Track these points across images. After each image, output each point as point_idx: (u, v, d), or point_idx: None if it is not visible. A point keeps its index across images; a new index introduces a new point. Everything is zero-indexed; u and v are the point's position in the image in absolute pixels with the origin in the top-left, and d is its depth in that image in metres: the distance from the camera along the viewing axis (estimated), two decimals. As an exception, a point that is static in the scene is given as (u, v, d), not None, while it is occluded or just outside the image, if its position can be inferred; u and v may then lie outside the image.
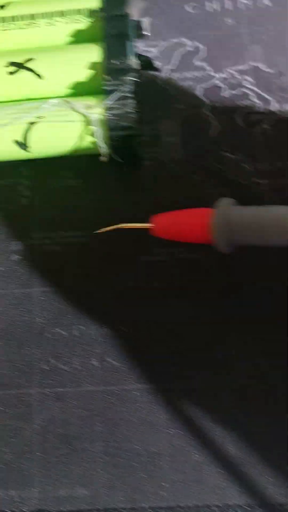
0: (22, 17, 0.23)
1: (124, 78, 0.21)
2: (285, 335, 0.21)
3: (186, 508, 0.20)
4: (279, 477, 0.20)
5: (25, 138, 0.22)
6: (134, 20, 0.24)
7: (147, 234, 0.22)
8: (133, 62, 0.22)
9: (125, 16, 0.22)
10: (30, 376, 0.21)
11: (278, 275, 0.21)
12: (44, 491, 0.20)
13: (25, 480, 0.21)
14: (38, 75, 0.22)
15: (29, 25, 0.23)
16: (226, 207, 0.20)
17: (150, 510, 0.20)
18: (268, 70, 0.24)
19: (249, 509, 0.19)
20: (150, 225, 0.21)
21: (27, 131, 0.22)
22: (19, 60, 0.22)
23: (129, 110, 0.21)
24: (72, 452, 0.21)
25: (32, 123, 0.22)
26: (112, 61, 0.22)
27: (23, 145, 0.22)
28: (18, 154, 0.23)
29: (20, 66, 0.22)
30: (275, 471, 0.20)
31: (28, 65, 0.22)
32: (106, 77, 0.21)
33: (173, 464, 0.20)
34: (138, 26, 0.24)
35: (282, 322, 0.21)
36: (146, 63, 0.24)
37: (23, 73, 0.22)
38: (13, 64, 0.22)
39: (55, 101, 0.22)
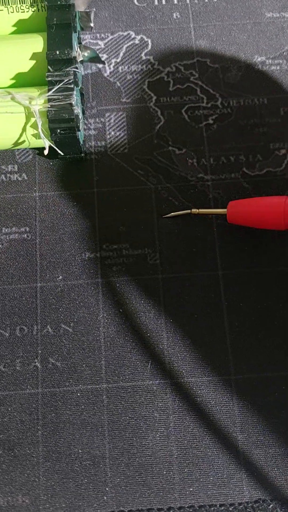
0: None
1: (67, 69, 0.21)
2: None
3: (129, 513, 0.19)
4: (222, 478, 0.19)
5: None
6: (80, 11, 0.23)
7: (93, 232, 0.22)
8: (78, 53, 0.22)
9: (70, 6, 0.22)
10: None
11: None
12: (-18, 501, 0.19)
13: None
14: (-22, 65, 0.22)
15: None
16: None
17: (93, 516, 0.19)
18: (213, 65, 0.24)
19: (191, 510, 0.19)
20: (224, 211, 0.21)
21: None
22: None
23: (70, 102, 0.20)
24: (13, 459, 0.20)
25: None
26: (55, 51, 0.21)
27: None
28: None
29: None
30: (217, 471, 0.19)
31: None
32: (49, 68, 0.21)
33: (116, 467, 0.19)
34: (84, 18, 0.23)
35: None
36: (92, 55, 0.23)
37: None
38: None
39: (-5, 92, 0.21)
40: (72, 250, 0.22)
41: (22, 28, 0.22)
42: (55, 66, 0.21)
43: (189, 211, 0.21)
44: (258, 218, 0.20)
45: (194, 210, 0.21)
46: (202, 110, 0.23)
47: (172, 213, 0.22)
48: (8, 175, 0.23)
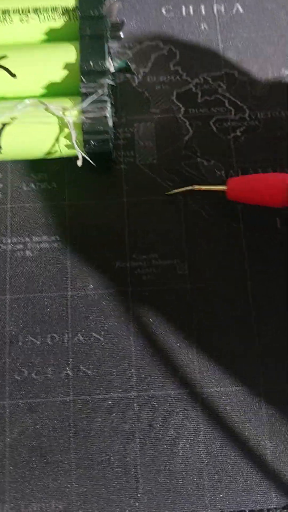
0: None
1: (101, 80, 0.21)
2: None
3: (162, 519, 0.19)
4: (251, 484, 0.20)
5: (-4, 139, 0.21)
6: (110, 21, 0.23)
7: (123, 242, 0.22)
8: (110, 64, 0.22)
9: (102, 17, 0.22)
10: (2, 388, 0.21)
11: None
12: (17, 507, 0.20)
13: (-5, 495, 0.20)
14: (12, 74, 0.22)
15: (1, 21, 0.22)
16: None
17: (125, 522, 0.19)
18: (241, 77, 0.24)
19: (225, 518, 0.19)
20: (224, 187, 0.21)
21: (-1, 132, 0.21)
22: (-10, 57, 0.22)
23: (105, 114, 0.20)
24: (45, 465, 0.20)
25: (4, 124, 0.21)
26: (89, 62, 0.21)
27: (-6, 146, 0.21)
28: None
29: (-8, 63, 0.22)
30: (246, 478, 0.20)
31: (1, 62, 0.21)
32: (83, 78, 0.21)
33: (147, 474, 0.20)
34: (113, 28, 0.23)
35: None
36: (123, 65, 0.23)
37: (-4, 71, 0.22)
38: (-16, 61, 0.22)
39: (29, 101, 0.21)
40: (102, 259, 0.22)
41: (54, 37, 0.23)
42: (88, 77, 0.21)
43: (191, 187, 0.22)
44: (259, 193, 0.21)
45: (196, 187, 0.22)
46: (230, 122, 0.23)
47: (175, 190, 0.22)
48: (38, 183, 0.23)
